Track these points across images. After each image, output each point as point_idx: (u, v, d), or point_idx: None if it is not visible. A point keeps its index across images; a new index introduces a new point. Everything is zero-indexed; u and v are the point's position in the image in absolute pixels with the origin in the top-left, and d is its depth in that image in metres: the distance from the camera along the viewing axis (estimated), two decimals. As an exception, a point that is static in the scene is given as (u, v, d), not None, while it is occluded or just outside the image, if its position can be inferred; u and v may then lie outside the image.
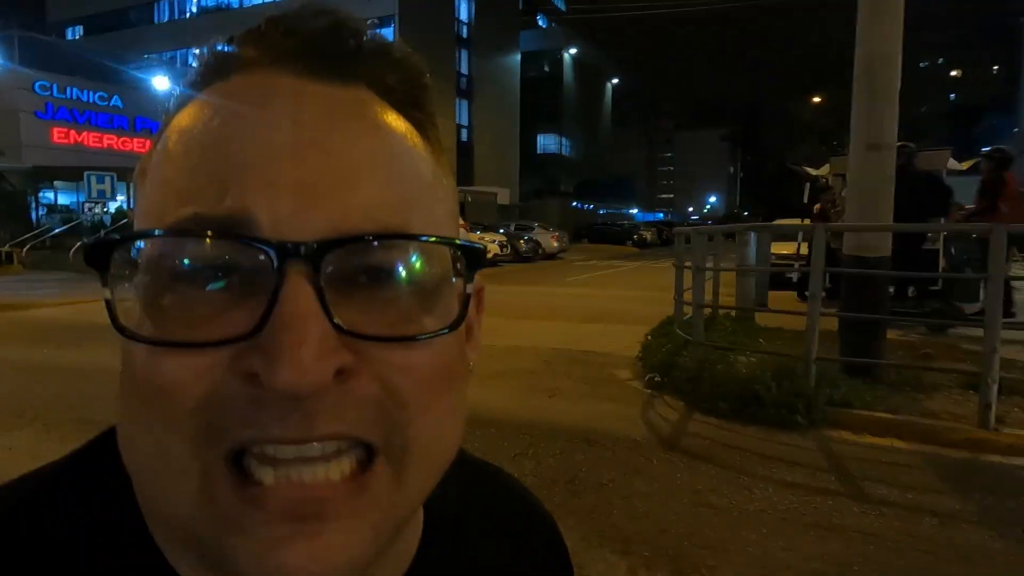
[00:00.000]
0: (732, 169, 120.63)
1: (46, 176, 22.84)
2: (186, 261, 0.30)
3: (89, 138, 26.34)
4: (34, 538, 0.36)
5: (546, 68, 62.96)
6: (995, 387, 4.03)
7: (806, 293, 5.46)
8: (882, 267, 5.13)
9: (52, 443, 3.99)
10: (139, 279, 0.31)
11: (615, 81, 79.69)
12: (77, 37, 45.86)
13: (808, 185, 11.20)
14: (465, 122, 43.53)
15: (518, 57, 52.09)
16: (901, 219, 5.36)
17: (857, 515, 3.13)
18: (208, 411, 0.29)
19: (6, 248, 18.01)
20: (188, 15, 41.97)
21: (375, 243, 0.31)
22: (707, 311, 6.37)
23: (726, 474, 3.64)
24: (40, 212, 22.47)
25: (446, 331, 0.33)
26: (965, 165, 10.71)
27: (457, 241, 0.34)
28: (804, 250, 9.16)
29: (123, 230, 0.33)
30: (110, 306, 0.31)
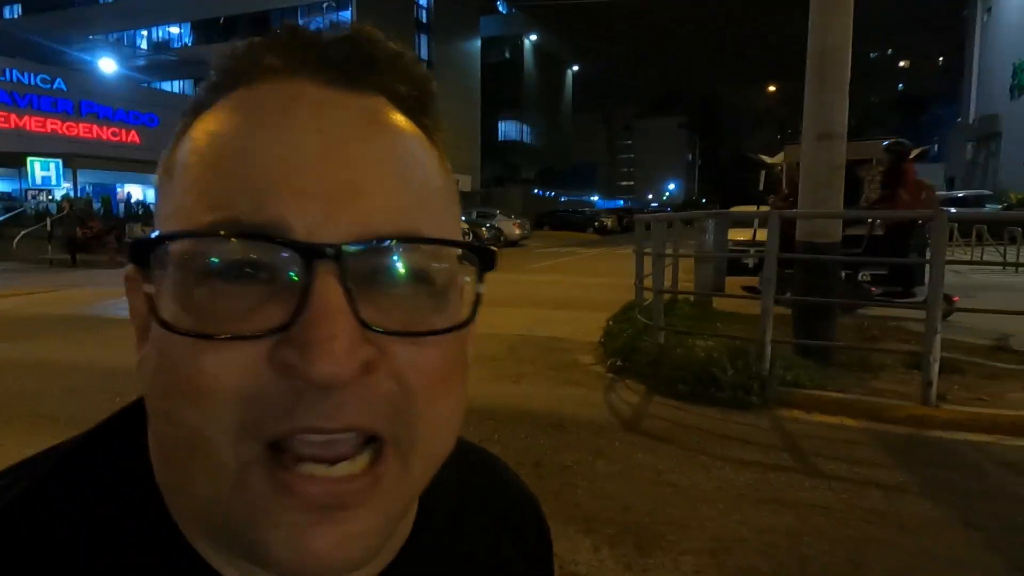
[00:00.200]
0: (691, 157, 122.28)
1: (-16, 162, 21.95)
2: (223, 261, 0.32)
3: (31, 122, 25.28)
4: (48, 523, 0.36)
5: (507, 54, 62.63)
6: (936, 366, 4.25)
7: (756, 288, 5.57)
8: (832, 253, 5.32)
9: (4, 439, 3.89)
10: (174, 276, 0.32)
11: (575, 68, 79.90)
12: (16, 16, 43.74)
13: (764, 173, 11.45)
14: (426, 108, 43.01)
15: (478, 43, 51.63)
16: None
17: (808, 489, 3.29)
18: (247, 402, 0.31)
19: (-58, 238, 17.22)
20: (135, -6, 40.47)
21: (397, 246, 0.33)
22: (667, 296, 6.50)
23: (685, 454, 3.76)
24: (-22, 200, 21.56)
25: (461, 327, 0.36)
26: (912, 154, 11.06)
27: (474, 244, 0.36)
28: (761, 236, 9.37)
29: (162, 230, 0.34)
30: (152, 301, 0.33)
